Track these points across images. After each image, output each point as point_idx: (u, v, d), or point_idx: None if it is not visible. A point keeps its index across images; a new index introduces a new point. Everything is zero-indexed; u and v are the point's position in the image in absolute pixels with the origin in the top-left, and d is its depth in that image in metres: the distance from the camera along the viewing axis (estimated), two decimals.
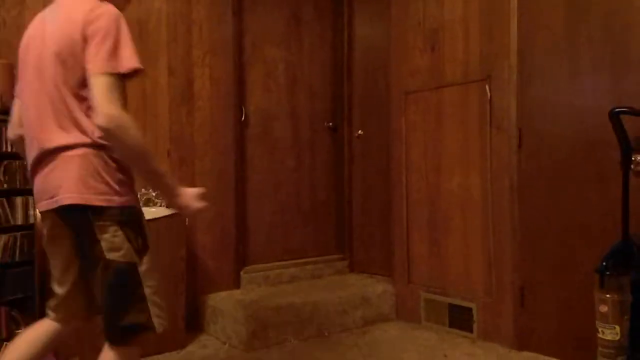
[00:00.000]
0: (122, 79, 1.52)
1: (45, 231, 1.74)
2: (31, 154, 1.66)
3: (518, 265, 2.89)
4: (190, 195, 1.70)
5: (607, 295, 2.10)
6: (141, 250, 1.61)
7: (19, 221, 2.65)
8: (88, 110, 1.54)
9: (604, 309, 2.11)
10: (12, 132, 1.83)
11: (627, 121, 2.20)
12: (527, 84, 2.85)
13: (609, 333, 2.09)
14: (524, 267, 2.87)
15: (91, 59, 1.51)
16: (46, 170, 1.60)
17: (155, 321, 1.61)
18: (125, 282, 1.58)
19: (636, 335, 2.07)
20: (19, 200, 2.65)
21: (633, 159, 2.28)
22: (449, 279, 3.28)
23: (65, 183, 1.55)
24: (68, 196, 1.54)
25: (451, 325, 3.25)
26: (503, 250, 2.98)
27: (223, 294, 3.41)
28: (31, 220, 2.69)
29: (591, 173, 2.58)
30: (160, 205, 3.01)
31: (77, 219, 1.58)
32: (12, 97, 2.65)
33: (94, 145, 1.55)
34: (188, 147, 3.38)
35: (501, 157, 2.98)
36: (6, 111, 2.63)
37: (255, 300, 3.24)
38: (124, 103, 1.52)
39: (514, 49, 2.89)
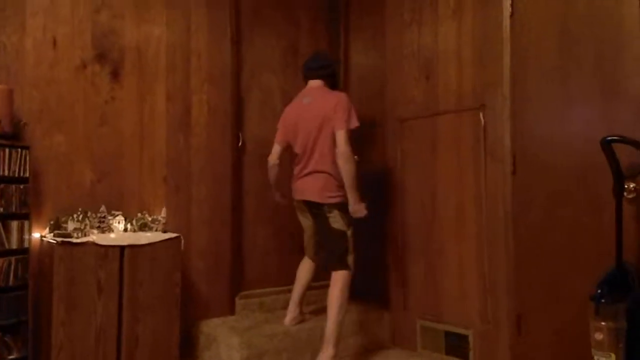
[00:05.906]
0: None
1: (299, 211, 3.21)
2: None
3: (514, 292, 2.89)
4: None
5: (602, 323, 2.09)
6: (349, 225, 3.02)
7: (14, 245, 2.64)
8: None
9: (599, 336, 2.10)
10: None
11: (619, 148, 2.23)
12: (521, 112, 2.89)
13: None
14: (520, 294, 2.86)
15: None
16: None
17: (351, 264, 3.02)
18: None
19: None
20: (14, 224, 2.64)
21: (626, 186, 2.31)
22: (445, 306, 3.27)
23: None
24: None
25: (447, 352, 3.23)
26: (498, 277, 2.97)
27: (217, 320, 3.38)
28: (26, 245, 2.68)
29: (585, 200, 2.60)
30: (156, 230, 3.01)
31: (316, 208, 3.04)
32: (10, 121, 2.69)
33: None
34: (185, 173, 3.39)
35: (495, 184, 3.00)
36: (4, 135, 2.66)
37: (250, 326, 3.22)
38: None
39: (507, 78, 2.94)
